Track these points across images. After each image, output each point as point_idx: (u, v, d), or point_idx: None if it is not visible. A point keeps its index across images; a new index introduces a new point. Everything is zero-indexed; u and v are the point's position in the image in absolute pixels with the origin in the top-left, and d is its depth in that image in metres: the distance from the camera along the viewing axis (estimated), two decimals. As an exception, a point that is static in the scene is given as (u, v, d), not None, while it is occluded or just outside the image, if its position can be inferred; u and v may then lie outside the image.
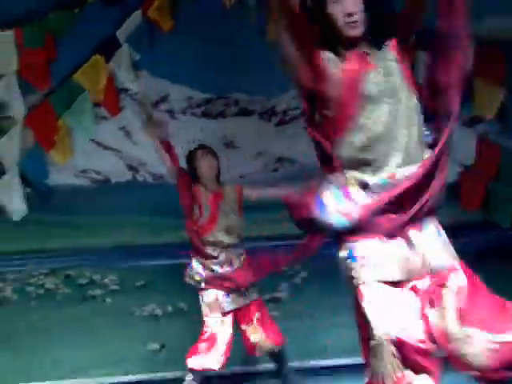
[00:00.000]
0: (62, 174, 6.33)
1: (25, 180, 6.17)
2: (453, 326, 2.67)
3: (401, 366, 2.64)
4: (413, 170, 2.71)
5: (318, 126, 2.93)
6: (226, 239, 5.10)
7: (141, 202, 6.26)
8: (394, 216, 2.73)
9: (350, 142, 2.76)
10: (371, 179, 2.73)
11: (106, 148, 6.40)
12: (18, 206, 6.11)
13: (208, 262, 5.02)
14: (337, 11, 2.71)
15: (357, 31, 2.72)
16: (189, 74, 6.24)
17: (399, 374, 2.63)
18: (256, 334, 5.04)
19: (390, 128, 2.73)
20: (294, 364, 5.30)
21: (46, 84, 6.22)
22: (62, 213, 6.28)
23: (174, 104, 6.45)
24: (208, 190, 5.22)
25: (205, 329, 4.95)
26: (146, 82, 6.38)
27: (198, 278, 5.02)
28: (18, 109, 6.14)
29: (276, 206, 5.88)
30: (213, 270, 5.03)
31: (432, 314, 2.70)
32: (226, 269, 5.04)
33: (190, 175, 5.28)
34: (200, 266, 5.04)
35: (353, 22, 2.71)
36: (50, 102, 6.19)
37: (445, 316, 2.67)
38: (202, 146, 5.44)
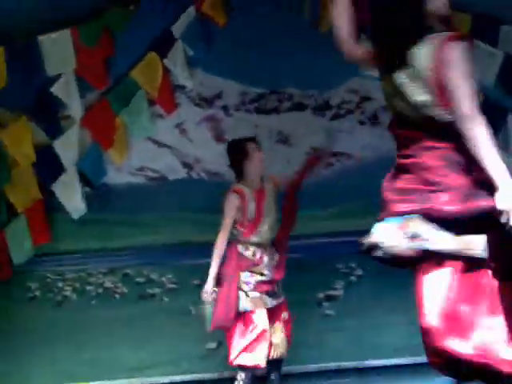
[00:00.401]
0: (119, 172, 6.39)
1: (83, 179, 6.30)
2: None
3: None
4: None
5: None
6: (270, 236, 5.08)
7: (197, 199, 6.27)
8: None
9: None
10: None
11: (162, 146, 6.43)
12: (76, 205, 6.26)
13: (257, 268, 4.99)
14: None
15: None
16: (242, 69, 6.22)
17: None
18: (276, 334, 5.01)
19: None
20: (349, 364, 5.28)
21: (103, 82, 6.34)
22: (119, 211, 6.34)
23: (228, 100, 6.43)
24: (252, 188, 5.17)
25: (252, 325, 4.90)
26: (200, 79, 6.40)
27: (246, 288, 4.97)
28: (76, 108, 6.29)
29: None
30: (263, 274, 5.00)
31: None
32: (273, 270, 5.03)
33: (236, 171, 5.18)
34: (248, 274, 5.00)
35: None
36: (108, 101, 6.30)
37: None
38: (251, 139, 5.33)
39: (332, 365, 5.94)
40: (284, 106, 6.40)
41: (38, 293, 6.26)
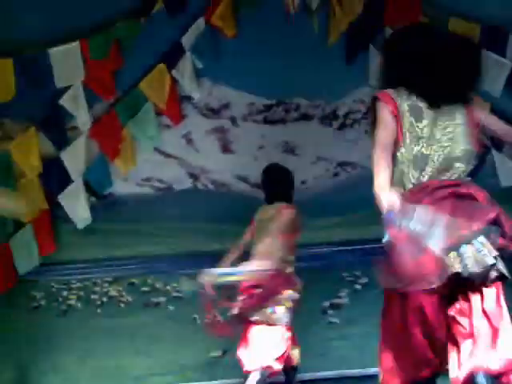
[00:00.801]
0: (126, 183, 6.47)
1: (89, 189, 6.36)
2: None
3: None
4: None
5: None
6: None
7: (203, 209, 6.36)
8: None
9: None
10: None
11: (169, 156, 6.51)
12: (82, 215, 6.32)
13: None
14: None
15: None
16: (250, 80, 6.32)
17: None
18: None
19: None
20: (353, 371, 5.28)
21: (111, 94, 6.45)
22: (125, 221, 6.42)
23: (235, 111, 6.52)
24: None
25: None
26: (208, 90, 6.49)
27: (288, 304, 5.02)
28: (83, 119, 6.38)
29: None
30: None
31: None
32: None
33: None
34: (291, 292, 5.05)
35: None
36: (115, 112, 6.38)
37: None
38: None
39: (337, 372, 5.99)
40: (291, 116, 6.49)
41: (42, 302, 6.32)
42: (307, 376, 5.71)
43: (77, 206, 6.35)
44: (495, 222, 3.03)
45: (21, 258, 6.24)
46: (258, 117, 6.50)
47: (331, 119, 6.44)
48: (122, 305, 6.34)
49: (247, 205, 6.10)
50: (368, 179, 3.11)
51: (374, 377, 5.63)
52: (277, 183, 5.35)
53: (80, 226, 6.32)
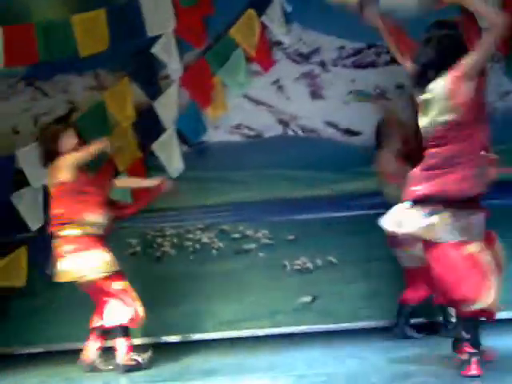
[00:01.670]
0: (216, 130, 6.61)
1: (181, 137, 6.48)
2: None
3: None
4: None
5: None
6: None
7: (292, 156, 6.42)
8: None
9: None
10: None
11: (259, 103, 6.56)
12: (175, 164, 6.45)
13: None
14: None
15: None
16: (339, 23, 6.22)
17: None
18: None
19: None
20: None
21: (202, 41, 6.55)
22: (216, 169, 6.57)
23: (325, 56, 6.51)
24: None
25: None
26: (298, 35, 6.47)
27: None
28: (175, 67, 6.48)
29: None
30: None
31: None
32: None
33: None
34: None
35: None
36: (206, 60, 6.45)
37: None
38: None
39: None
40: (382, 60, 6.41)
41: (138, 248, 6.60)
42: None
43: (170, 154, 6.51)
44: None
45: (117, 206, 6.49)
46: (348, 61, 6.46)
47: (423, 61, 6.30)
48: (214, 251, 6.54)
49: (337, 151, 6.11)
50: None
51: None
52: None
53: (174, 174, 6.48)
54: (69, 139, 5.43)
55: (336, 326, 6.15)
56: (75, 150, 5.39)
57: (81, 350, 5.50)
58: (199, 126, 6.58)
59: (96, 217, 5.35)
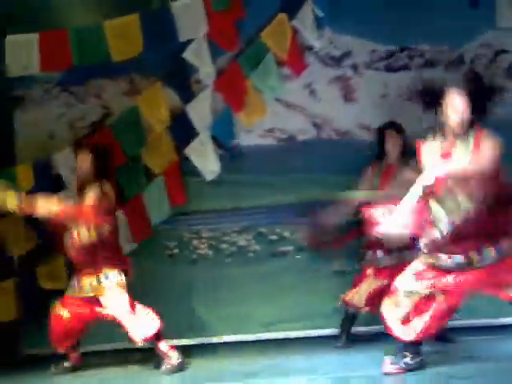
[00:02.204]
0: (249, 134, 6.69)
1: (215, 141, 6.56)
2: None
3: None
4: None
5: None
6: None
7: (326, 159, 6.47)
8: None
9: None
10: None
11: (291, 106, 6.63)
12: (210, 167, 6.55)
13: None
14: None
15: None
16: (371, 27, 6.34)
17: None
18: None
19: None
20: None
21: (234, 45, 6.63)
22: (250, 172, 6.65)
23: (357, 59, 6.58)
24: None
25: None
26: (329, 39, 6.54)
27: None
28: (207, 71, 6.56)
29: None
30: None
31: None
32: None
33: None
34: None
35: None
36: (238, 64, 6.51)
37: None
38: (390, 125, 5.82)
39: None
40: (415, 63, 6.46)
41: (175, 250, 6.70)
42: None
43: (205, 158, 6.60)
44: None
45: (153, 209, 6.62)
46: (380, 64, 6.51)
47: (457, 65, 6.35)
48: (251, 254, 6.63)
49: (370, 154, 6.17)
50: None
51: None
52: None
53: (209, 177, 6.59)
54: (83, 163, 5.58)
55: (373, 328, 6.09)
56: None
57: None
58: (231, 130, 6.68)
59: None
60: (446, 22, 6.15)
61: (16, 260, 6.59)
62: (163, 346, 5.41)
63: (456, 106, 4.42)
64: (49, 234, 6.21)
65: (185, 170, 6.61)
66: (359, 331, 6.06)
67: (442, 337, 5.38)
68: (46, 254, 6.48)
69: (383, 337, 5.03)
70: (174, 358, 5.40)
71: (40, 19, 6.57)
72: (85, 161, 5.56)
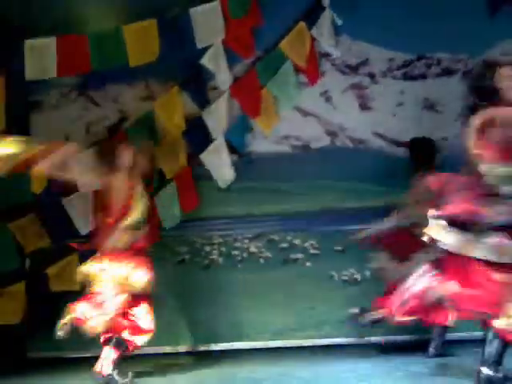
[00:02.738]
0: (264, 141, 6.67)
1: (230, 148, 6.53)
2: None
3: None
4: None
5: None
6: None
7: (340, 166, 6.45)
8: None
9: None
10: None
11: (307, 114, 6.62)
12: (225, 175, 6.53)
13: None
14: None
15: None
16: (389, 35, 6.30)
17: None
18: None
19: None
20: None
21: (250, 52, 6.62)
22: (264, 179, 6.63)
23: (374, 67, 6.56)
24: None
25: None
26: (347, 46, 6.51)
27: None
28: (223, 78, 6.55)
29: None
30: None
31: None
32: None
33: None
34: None
35: None
36: (256, 71, 6.50)
37: None
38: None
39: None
40: (432, 72, 6.44)
41: (187, 256, 6.68)
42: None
43: (219, 164, 6.58)
44: None
45: (165, 214, 6.58)
46: (397, 73, 6.49)
47: (474, 74, 6.28)
48: (262, 260, 6.60)
49: (385, 162, 6.10)
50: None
51: None
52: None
53: (222, 185, 6.55)
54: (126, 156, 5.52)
55: (384, 338, 6.14)
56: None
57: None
58: (246, 137, 6.66)
59: None
60: (464, 31, 6.10)
61: (27, 262, 6.61)
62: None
63: None
64: (62, 237, 6.26)
65: (197, 175, 6.58)
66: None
67: None
68: (58, 256, 6.48)
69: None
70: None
71: (58, 24, 6.53)
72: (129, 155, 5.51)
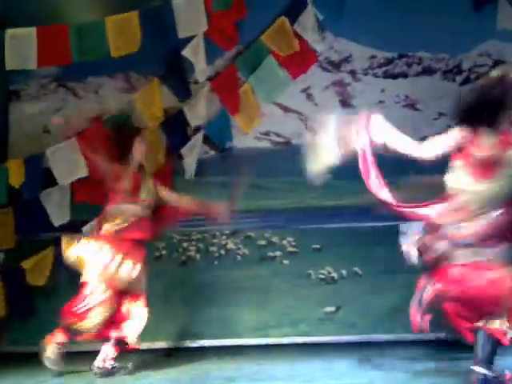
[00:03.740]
0: (244, 137, 6.63)
1: (210, 143, 6.48)
2: None
3: None
4: None
5: None
6: None
7: (321, 164, 6.33)
8: None
9: None
10: None
11: (288, 110, 6.57)
12: (192, 166, 6.45)
13: None
14: None
15: None
16: (371, 33, 6.30)
17: None
18: None
19: None
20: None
21: (232, 44, 6.56)
22: (244, 174, 6.47)
23: (355, 64, 6.55)
24: None
25: None
26: (329, 43, 6.47)
27: None
28: (201, 68, 6.47)
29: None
30: None
31: None
32: None
33: None
34: None
35: None
36: (236, 66, 6.44)
37: None
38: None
39: None
40: (413, 70, 6.43)
41: (164, 252, 6.61)
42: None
43: (193, 158, 6.52)
44: None
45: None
46: (378, 70, 6.47)
47: (455, 73, 6.30)
48: (239, 257, 6.56)
49: (365, 160, 6.05)
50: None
51: None
52: None
53: (187, 176, 6.50)
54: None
55: (360, 337, 6.13)
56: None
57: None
58: (227, 133, 6.62)
59: None
60: (446, 30, 6.13)
61: (1, 256, 6.53)
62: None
63: None
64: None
65: (175, 169, 6.54)
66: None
67: None
68: (31, 250, 6.41)
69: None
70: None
71: (38, 14, 6.46)
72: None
